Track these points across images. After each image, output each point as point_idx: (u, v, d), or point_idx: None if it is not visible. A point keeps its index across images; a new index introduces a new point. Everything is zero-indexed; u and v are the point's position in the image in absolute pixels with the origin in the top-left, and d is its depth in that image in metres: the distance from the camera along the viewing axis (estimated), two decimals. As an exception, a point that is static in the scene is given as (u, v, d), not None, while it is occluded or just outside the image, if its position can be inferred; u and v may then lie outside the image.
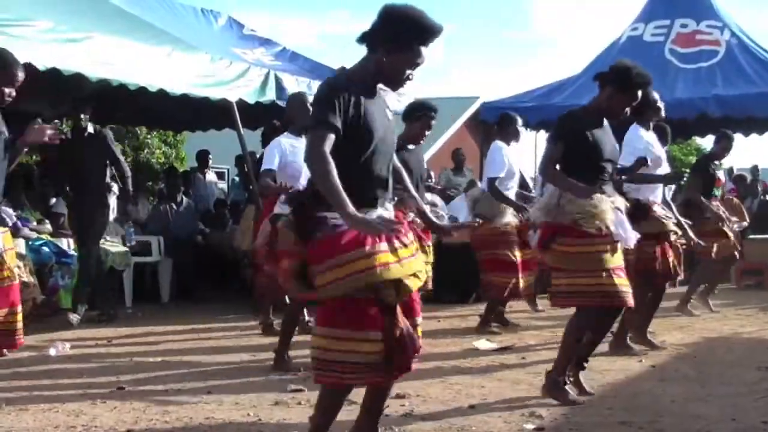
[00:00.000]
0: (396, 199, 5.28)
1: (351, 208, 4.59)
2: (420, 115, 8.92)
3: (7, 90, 6.39)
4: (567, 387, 6.89)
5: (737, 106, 16.45)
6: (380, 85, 5.07)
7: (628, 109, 7.08)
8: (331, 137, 4.73)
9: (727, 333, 10.79)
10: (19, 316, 6.64)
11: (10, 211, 6.93)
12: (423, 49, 4.92)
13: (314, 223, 4.78)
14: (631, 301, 6.91)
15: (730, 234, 12.40)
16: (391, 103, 5.32)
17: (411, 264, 4.88)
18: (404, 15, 4.85)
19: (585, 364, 7.15)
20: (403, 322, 4.84)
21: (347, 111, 4.79)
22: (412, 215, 8.12)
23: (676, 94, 16.40)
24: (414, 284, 4.89)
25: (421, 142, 9.16)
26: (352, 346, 4.77)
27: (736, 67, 17.57)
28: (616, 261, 6.87)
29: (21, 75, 6.52)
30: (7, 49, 6.96)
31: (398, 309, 4.82)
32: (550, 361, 8.37)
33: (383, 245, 4.76)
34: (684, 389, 7.29)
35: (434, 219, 6.32)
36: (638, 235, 7.23)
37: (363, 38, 4.96)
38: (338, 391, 5.02)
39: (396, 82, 5.00)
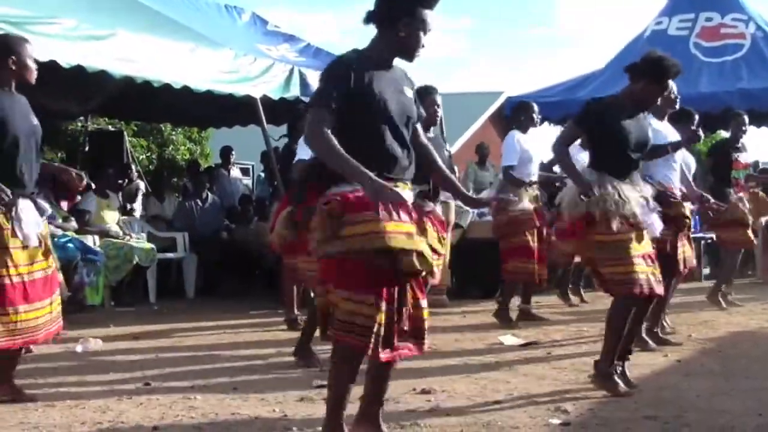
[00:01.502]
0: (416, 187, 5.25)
1: (367, 172, 4.62)
2: (425, 98, 8.87)
3: (28, 62, 6.45)
4: (616, 378, 6.89)
5: (763, 99, 16.36)
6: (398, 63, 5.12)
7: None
8: (329, 116, 4.76)
9: (753, 327, 10.73)
10: (58, 302, 6.71)
11: (46, 204, 6.95)
12: (429, 12, 4.94)
13: (323, 192, 4.82)
14: (660, 289, 6.95)
15: (748, 222, 12.25)
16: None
17: (419, 242, 4.86)
18: None
19: (629, 356, 7.17)
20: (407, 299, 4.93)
21: (353, 85, 4.80)
22: (431, 206, 8.11)
23: (701, 88, 16.36)
24: (429, 263, 4.89)
25: (437, 121, 9.18)
26: (363, 309, 4.80)
27: (761, 60, 17.50)
28: (643, 248, 6.88)
29: (29, 46, 6.59)
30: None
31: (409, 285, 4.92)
32: (576, 356, 8.40)
33: (395, 215, 4.75)
34: (709, 384, 7.27)
35: (468, 193, 6.20)
36: (662, 226, 7.25)
37: (369, 18, 4.98)
38: (352, 357, 4.97)
39: (412, 53, 5.01)
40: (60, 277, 10.10)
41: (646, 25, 19.44)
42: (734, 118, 12.32)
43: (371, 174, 4.62)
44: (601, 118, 6.86)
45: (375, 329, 4.81)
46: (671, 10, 19.10)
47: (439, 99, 9.11)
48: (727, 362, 8.31)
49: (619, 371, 6.97)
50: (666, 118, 9.07)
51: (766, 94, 16.32)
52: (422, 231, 4.96)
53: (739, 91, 16.55)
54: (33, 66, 6.56)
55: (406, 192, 4.99)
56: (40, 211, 6.67)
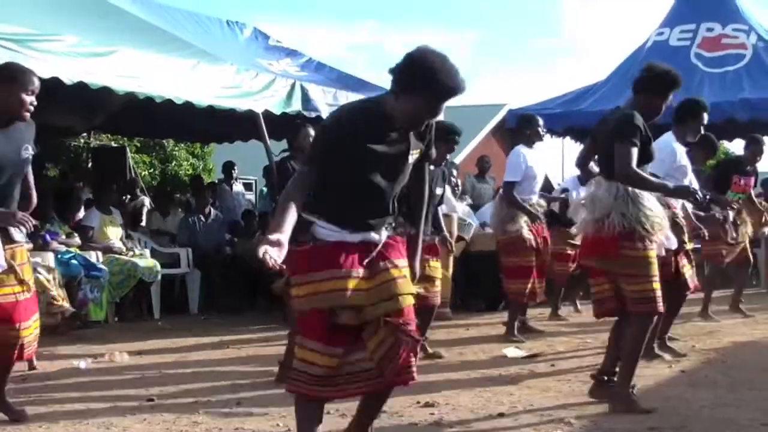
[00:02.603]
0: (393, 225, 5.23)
1: (275, 234, 4.62)
2: (444, 139, 8.90)
3: (26, 98, 6.31)
4: (634, 397, 6.80)
5: (765, 109, 16.36)
6: None
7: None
8: (311, 175, 4.87)
9: (757, 337, 10.72)
10: (30, 330, 6.48)
11: (22, 228, 6.80)
12: (435, 102, 4.80)
13: (302, 228, 4.82)
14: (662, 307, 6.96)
15: (738, 238, 12.18)
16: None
17: (387, 288, 4.88)
18: (426, 65, 4.72)
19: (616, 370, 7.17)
20: (394, 333, 4.84)
21: (340, 148, 4.78)
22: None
23: (703, 98, 16.34)
24: (388, 308, 4.85)
25: (443, 164, 9.28)
26: (316, 358, 4.80)
27: (763, 70, 17.52)
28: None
29: (36, 81, 6.42)
30: (35, 67, 6.94)
31: (392, 321, 4.84)
32: (580, 369, 8.40)
33: (359, 271, 4.83)
34: (713, 394, 7.27)
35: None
36: (676, 242, 7.27)
37: (391, 71, 4.84)
38: (308, 403, 4.99)
39: (402, 123, 4.88)
40: (63, 293, 10.17)
41: (647, 35, 19.46)
42: (753, 143, 12.25)
43: (275, 237, 4.60)
44: (643, 134, 6.80)
45: (324, 374, 4.82)
46: (672, 21, 19.12)
47: (455, 145, 9.23)
48: (731, 372, 8.30)
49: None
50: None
51: (767, 103, 16.33)
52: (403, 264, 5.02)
53: (741, 101, 16.55)
54: (33, 101, 6.40)
55: (382, 236, 5.01)
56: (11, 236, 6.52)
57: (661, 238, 6.95)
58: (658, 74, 6.98)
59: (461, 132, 9.22)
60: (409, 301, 4.94)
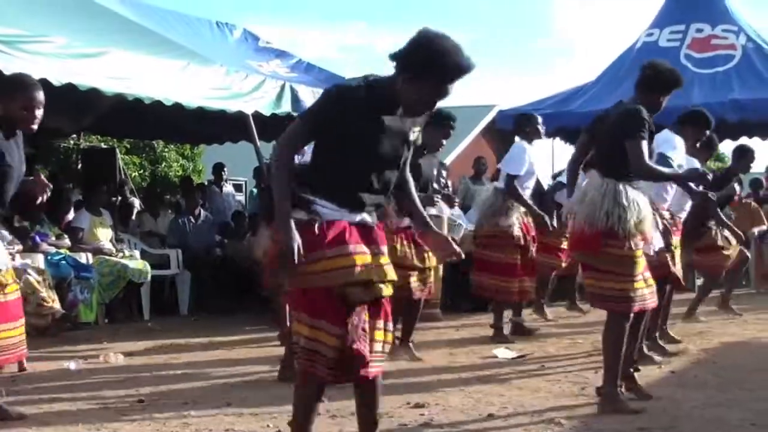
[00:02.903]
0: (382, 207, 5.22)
1: (290, 224, 4.72)
2: (440, 125, 8.89)
3: (26, 113, 6.30)
4: (622, 397, 6.80)
5: (754, 110, 16.39)
6: None
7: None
8: (305, 135, 4.91)
9: (747, 338, 10.75)
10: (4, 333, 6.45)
11: (5, 233, 6.79)
12: (443, 85, 4.75)
13: (303, 206, 4.81)
14: (653, 303, 7.03)
15: (731, 242, 12.12)
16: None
17: (387, 271, 4.90)
18: (433, 46, 4.68)
19: (635, 367, 7.19)
20: (357, 320, 4.77)
21: (342, 122, 4.74)
22: (407, 221, 8.14)
23: (693, 99, 16.32)
24: (386, 290, 4.87)
25: (440, 150, 9.23)
26: (323, 337, 4.76)
27: (752, 71, 17.54)
28: (644, 264, 6.90)
29: (40, 95, 6.40)
30: (24, 68, 6.91)
31: (359, 307, 4.79)
32: (570, 369, 8.39)
33: (364, 248, 4.82)
34: (703, 394, 7.27)
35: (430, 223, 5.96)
36: (661, 242, 7.28)
37: (393, 57, 4.78)
38: (314, 386, 4.97)
39: (409, 109, 4.84)
40: (53, 294, 10.15)
41: (637, 36, 19.47)
42: (745, 154, 12.21)
43: (292, 228, 4.69)
44: (648, 126, 6.83)
45: (334, 357, 4.77)
46: (662, 22, 19.13)
47: (451, 131, 9.15)
48: (721, 373, 8.31)
49: (623, 391, 6.93)
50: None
51: (757, 104, 16.36)
52: (387, 250, 5.00)
53: (731, 102, 16.56)
54: (38, 114, 6.38)
55: (373, 218, 5.01)
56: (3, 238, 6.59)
57: (649, 238, 6.97)
58: (660, 72, 7.03)
59: (456, 118, 9.16)
60: (389, 291, 4.93)
